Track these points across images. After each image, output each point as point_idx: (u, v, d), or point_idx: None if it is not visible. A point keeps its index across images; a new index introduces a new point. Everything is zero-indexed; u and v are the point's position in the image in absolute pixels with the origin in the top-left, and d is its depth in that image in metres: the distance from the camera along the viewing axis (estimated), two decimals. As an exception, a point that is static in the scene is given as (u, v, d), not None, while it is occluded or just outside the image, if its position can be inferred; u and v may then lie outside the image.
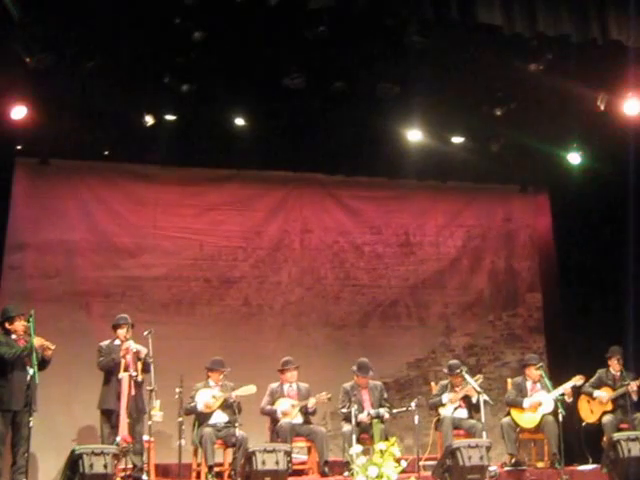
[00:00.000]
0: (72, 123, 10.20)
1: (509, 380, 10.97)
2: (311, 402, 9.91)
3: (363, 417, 9.75)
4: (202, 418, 9.58)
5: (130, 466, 9.00)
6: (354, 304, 12.66)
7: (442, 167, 12.24)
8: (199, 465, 9.54)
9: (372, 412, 9.94)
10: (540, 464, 10.35)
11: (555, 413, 9.73)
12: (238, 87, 9.89)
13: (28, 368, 8.52)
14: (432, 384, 10.89)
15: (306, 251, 12.69)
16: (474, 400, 9.99)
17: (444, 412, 10.18)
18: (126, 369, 8.98)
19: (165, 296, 11.91)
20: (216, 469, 9.35)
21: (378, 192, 12.96)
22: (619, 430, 10.00)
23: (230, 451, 9.45)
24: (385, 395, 10.38)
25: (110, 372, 9.24)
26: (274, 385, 10.14)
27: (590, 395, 10.52)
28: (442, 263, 13.14)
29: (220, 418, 9.60)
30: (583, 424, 10.60)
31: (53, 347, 8.74)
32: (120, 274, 11.79)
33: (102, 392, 9.31)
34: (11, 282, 11.07)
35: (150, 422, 8.89)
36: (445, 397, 10.27)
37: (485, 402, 9.41)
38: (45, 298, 11.03)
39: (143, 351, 9.12)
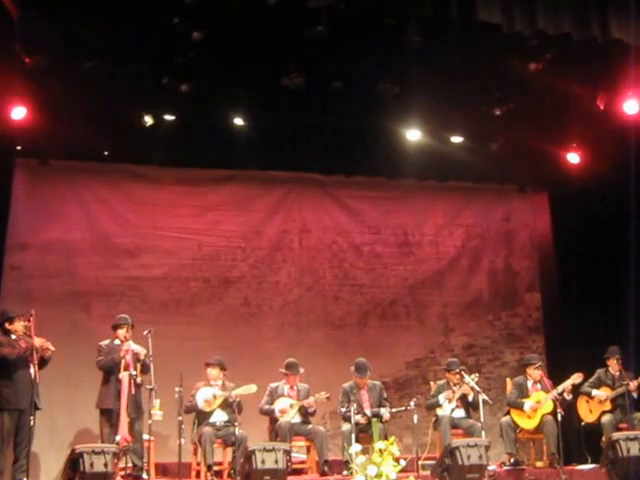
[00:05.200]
0: (72, 123, 10.18)
1: (508, 380, 10.99)
2: (309, 401, 9.91)
3: (359, 419, 9.67)
4: (202, 417, 9.60)
5: (130, 465, 9.01)
6: (353, 304, 12.66)
7: (441, 167, 12.24)
8: (199, 464, 9.54)
9: (368, 412, 9.95)
10: (539, 463, 10.35)
11: (554, 413, 9.73)
12: (237, 87, 9.92)
13: (31, 366, 8.57)
14: (431, 383, 10.90)
15: (305, 251, 12.69)
16: (470, 398, 10.03)
17: (442, 412, 10.19)
18: (126, 368, 9.00)
19: (164, 296, 11.91)
20: (215, 468, 9.34)
21: (377, 192, 12.96)
22: (618, 430, 10.00)
23: (229, 450, 9.45)
24: (385, 395, 10.38)
25: (110, 371, 9.26)
26: (273, 385, 10.13)
27: (589, 395, 10.52)
28: (441, 263, 13.15)
29: (220, 417, 9.60)
30: (582, 424, 10.60)
31: (53, 349, 8.79)
32: (120, 274, 11.79)
33: (101, 391, 9.34)
34: (11, 282, 11.06)
35: (150, 421, 8.89)
36: (442, 396, 10.27)
37: (484, 401, 9.42)
38: (45, 298, 11.03)
39: (142, 352, 9.15)
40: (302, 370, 10.13)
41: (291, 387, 10.12)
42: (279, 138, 11.09)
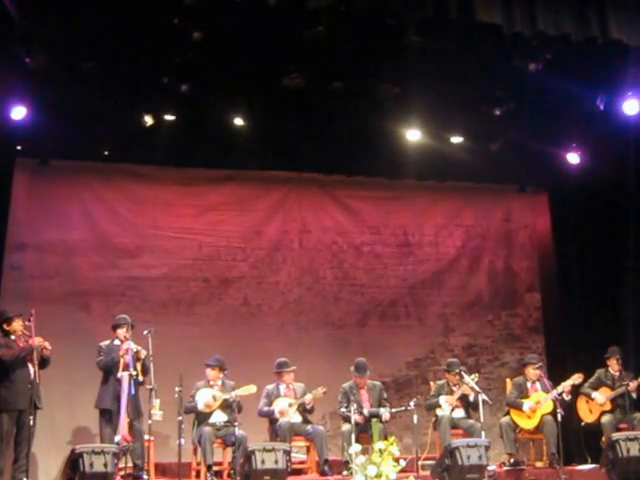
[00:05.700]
0: (72, 123, 10.16)
1: (508, 380, 10.99)
2: (307, 398, 9.90)
3: (357, 418, 9.59)
4: (202, 417, 9.60)
5: (130, 465, 9.01)
6: (353, 304, 12.65)
7: (441, 167, 12.22)
8: (199, 464, 9.55)
9: (366, 412, 9.94)
10: (539, 464, 10.36)
11: (554, 413, 9.73)
12: (237, 87, 9.90)
13: (30, 366, 8.57)
14: (431, 383, 10.90)
15: (305, 251, 12.68)
16: (471, 399, 10.03)
17: (441, 412, 10.19)
18: (125, 368, 8.99)
19: (164, 296, 11.90)
20: (215, 468, 9.36)
21: (377, 192, 12.95)
22: (618, 430, 10.00)
23: (229, 450, 9.46)
24: (385, 395, 10.38)
25: (109, 371, 9.26)
26: (270, 386, 10.14)
27: (588, 396, 10.53)
28: (441, 263, 13.13)
29: (219, 417, 9.61)
30: (582, 424, 10.61)
31: (50, 348, 8.80)
32: (120, 274, 11.78)
33: (100, 391, 9.34)
34: (11, 282, 11.02)
35: (150, 421, 8.90)
36: (442, 399, 10.26)
37: (484, 402, 9.41)
38: (45, 298, 11.00)
39: (143, 352, 9.14)
40: (294, 367, 10.13)
41: (287, 386, 10.12)
42: (279, 138, 11.07)
